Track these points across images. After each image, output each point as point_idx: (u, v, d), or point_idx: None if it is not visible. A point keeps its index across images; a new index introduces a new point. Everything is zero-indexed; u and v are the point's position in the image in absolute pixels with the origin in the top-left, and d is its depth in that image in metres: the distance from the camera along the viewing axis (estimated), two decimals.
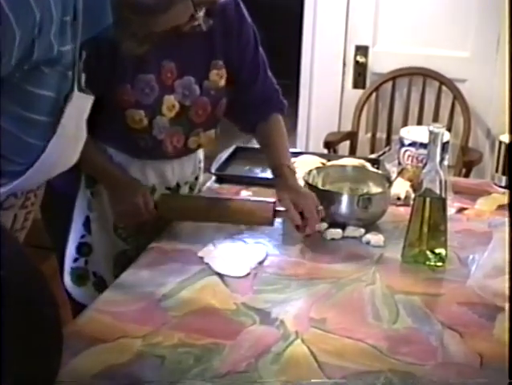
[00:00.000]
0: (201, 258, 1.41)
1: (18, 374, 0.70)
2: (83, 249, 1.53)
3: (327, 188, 1.63)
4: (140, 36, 1.14)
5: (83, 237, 1.53)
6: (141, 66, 1.41)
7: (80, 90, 1.04)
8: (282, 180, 1.53)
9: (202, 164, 1.71)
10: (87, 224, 1.52)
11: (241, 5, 1.56)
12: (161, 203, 1.49)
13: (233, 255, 1.43)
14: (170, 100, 1.46)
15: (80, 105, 1.04)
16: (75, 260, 1.54)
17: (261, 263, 1.40)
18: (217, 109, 1.55)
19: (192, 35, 1.42)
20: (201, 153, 1.68)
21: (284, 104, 1.70)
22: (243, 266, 1.37)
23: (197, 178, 1.67)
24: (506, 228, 1.48)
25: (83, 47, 1.04)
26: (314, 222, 1.46)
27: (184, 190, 1.62)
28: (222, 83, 1.54)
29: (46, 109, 0.98)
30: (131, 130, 1.45)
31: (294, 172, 1.56)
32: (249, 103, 1.62)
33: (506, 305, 1.24)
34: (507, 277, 1.31)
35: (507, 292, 1.27)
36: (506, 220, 1.56)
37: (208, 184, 1.86)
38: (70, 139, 1.05)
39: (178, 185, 1.59)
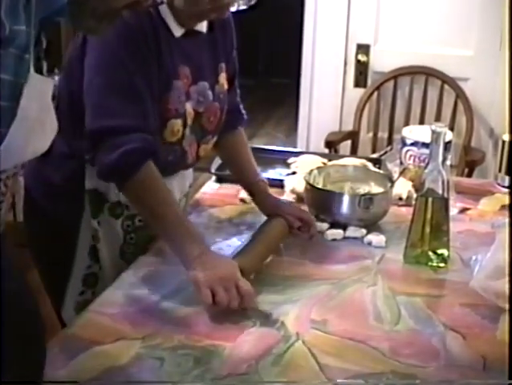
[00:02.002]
0: None
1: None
2: (89, 280, 1.46)
3: (328, 188, 1.62)
4: (101, 12, 1.09)
5: (89, 267, 1.45)
6: (174, 70, 1.36)
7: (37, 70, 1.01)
8: (262, 196, 1.54)
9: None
10: (92, 254, 1.45)
11: None
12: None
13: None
14: (188, 107, 1.40)
15: (40, 87, 1.02)
16: (82, 293, 1.46)
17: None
18: (223, 114, 1.52)
19: (197, 40, 1.42)
20: None
21: (245, 117, 1.66)
22: None
23: (190, 186, 1.65)
24: (507, 229, 1.47)
25: (42, 33, 1.02)
26: (314, 222, 1.49)
27: (182, 202, 1.57)
28: (226, 86, 1.52)
29: (4, 93, 0.97)
30: (165, 144, 1.37)
31: (265, 184, 1.57)
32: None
33: (507, 307, 1.23)
34: (508, 279, 1.30)
35: (508, 293, 1.26)
36: (507, 220, 1.55)
37: (208, 184, 1.85)
38: (33, 122, 1.03)
39: (179, 199, 1.54)
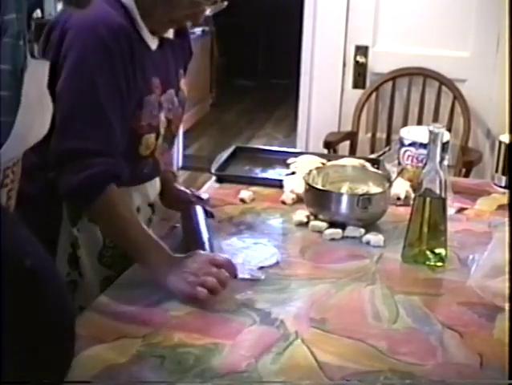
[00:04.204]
0: None
1: (27, 361, 0.70)
2: (68, 287, 1.43)
3: (327, 188, 1.63)
4: None
5: (68, 275, 1.44)
6: (146, 87, 1.38)
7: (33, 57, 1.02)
8: (166, 188, 1.59)
9: None
10: (71, 261, 1.44)
11: None
12: None
13: (234, 256, 1.43)
14: (162, 117, 1.43)
15: (37, 71, 1.03)
16: None
17: (262, 268, 1.38)
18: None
19: (165, 48, 1.44)
20: None
21: None
22: (243, 269, 1.37)
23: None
24: (506, 228, 1.48)
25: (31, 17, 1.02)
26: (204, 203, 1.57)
27: (158, 201, 1.58)
28: (186, 91, 1.55)
29: (5, 83, 0.97)
30: (139, 158, 1.40)
31: (175, 176, 1.66)
32: None
33: (506, 306, 1.24)
34: (507, 277, 1.31)
35: (507, 292, 1.27)
36: (506, 220, 1.56)
37: (208, 184, 1.86)
38: (36, 107, 1.04)
39: (153, 200, 1.57)
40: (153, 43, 1.40)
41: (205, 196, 1.63)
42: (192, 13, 1.34)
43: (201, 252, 1.30)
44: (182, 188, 1.63)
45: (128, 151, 1.37)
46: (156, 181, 1.57)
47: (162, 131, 1.44)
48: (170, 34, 1.45)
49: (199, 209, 1.53)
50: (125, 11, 1.34)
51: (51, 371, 0.74)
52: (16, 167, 1.11)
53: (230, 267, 1.27)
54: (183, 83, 1.53)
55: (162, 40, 1.43)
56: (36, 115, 1.04)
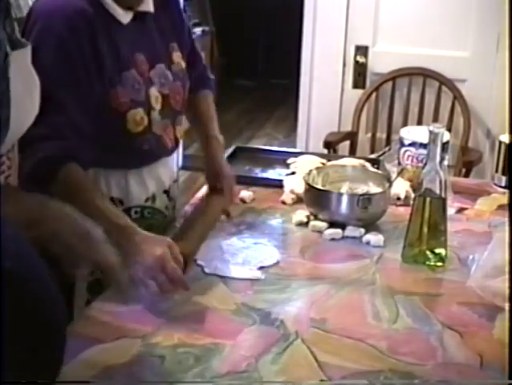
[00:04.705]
0: (194, 260, 1.40)
1: (21, 365, 0.70)
2: (94, 287, 1.42)
3: (327, 188, 1.63)
4: None
5: (92, 274, 1.42)
6: (122, 62, 1.37)
7: (13, 44, 1.01)
8: (208, 152, 1.60)
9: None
10: None
11: None
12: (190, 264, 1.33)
13: (234, 256, 1.43)
14: (154, 92, 1.42)
15: (20, 60, 1.02)
16: (88, 301, 1.40)
17: (262, 268, 1.38)
18: (186, 92, 1.54)
19: (146, 22, 1.43)
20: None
21: (212, 80, 1.73)
22: (243, 269, 1.37)
23: (179, 169, 1.68)
24: (506, 228, 1.48)
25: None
26: (229, 202, 1.58)
27: (174, 189, 1.58)
28: (183, 64, 1.53)
29: None
30: (132, 136, 1.39)
31: (220, 144, 1.62)
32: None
33: (506, 306, 1.25)
34: (507, 277, 1.31)
35: (507, 292, 1.27)
36: (506, 220, 1.56)
37: None
38: (23, 94, 1.03)
39: (169, 186, 1.55)
40: (124, 17, 1.37)
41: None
42: None
43: (166, 246, 1.22)
44: (226, 172, 1.61)
45: (114, 130, 1.36)
46: (170, 165, 1.56)
47: (157, 106, 1.42)
48: (150, 7, 1.43)
49: (216, 201, 1.55)
50: None
51: (39, 371, 0.74)
52: (11, 153, 1.11)
53: (181, 286, 1.21)
54: (177, 56, 1.51)
55: (138, 14, 1.41)
56: (26, 100, 1.04)
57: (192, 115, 1.66)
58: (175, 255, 1.22)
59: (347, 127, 3.08)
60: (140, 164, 1.45)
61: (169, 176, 1.55)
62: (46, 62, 1.26)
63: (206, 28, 5.32)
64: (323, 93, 3.14)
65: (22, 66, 1.03)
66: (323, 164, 1.86)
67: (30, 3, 1.44)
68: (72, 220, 1.04)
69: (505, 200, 1.75)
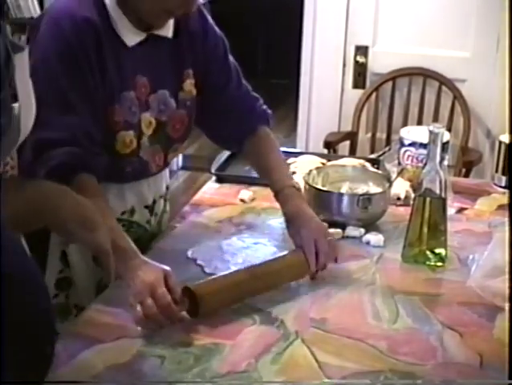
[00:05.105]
0: (194, 260, 1.40)
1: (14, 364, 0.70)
2: (62, 283, 1.43)
3: (327, 188, 1.63)
4: None
5: (61, 271, 1.42)
6: (123, 82, 1.35)
7: (14, 48, 1.01)
8: (288, 206, 1.41)
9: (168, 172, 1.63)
10: (63, 258, 1.41)
11: (205, 13, 1.51)
12: (204, 305, 1.18)
13: (234, 256, 1.43)
14: (147, 117, 1.39)
15: (20, 64, 1.02)
16: (55, 296, 1.41)
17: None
18: (192, 120, 1.50)
19: (160, 46, 1.40)
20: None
21: (269, 114, 1.58)
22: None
23: (167, 187, 1.61)
24: (506, 228, 1.48)
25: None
26: (325, 261, 1.34)
27: (160, 204, 1.55)
28: (195, 92, 1.49)
29: None
30: (119, 156, 1.37)
31: (299, 192, 1.45)
32: (228, 115, 1.52)
33: (506, 306, 1.25)
34: (507, 277, 1.31)
35: (507, 292, 1.28)
36: (506, 220, 1.56)
37: (208, 184, 1.86)
38: (25, 100, 1.03)
39: (154, 201, 1.53)
40: (131, 40, 1.36)
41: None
42: (183, 1, 1.31)
43: (160, 276, 1.17)
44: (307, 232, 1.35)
45: (105, 146, 1.35)
46: (156, 182, 1.53)
47: (148, 131, 1.40)
48: (168, 32, 1.42)
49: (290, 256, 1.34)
50: (98, 6, 1.32)
51: (27, 371, 0.74)
52: (14, 153, 1.11)
53: (170, 314, 1.16)
54: (189, 84, 1.47)
55: (153, 36, 1.39)
56: (26, 102, 1.04)
57: (254, 159, 1.55)
58: (170, 284, 1.17)
59: (347, 127, 3.08)
60: (120, 181, 1.43)
61: (154, 192, 1.52)
62: (53, 66, 1.28)
63: None
64: (323, 93, 3.14)
65: (21, 70, 1.03)
66: (323, 164, 1.86)
67: (30, 3, 1.45)
68: (73, 200, 1.05)
69: (505, 200, 1.75)
